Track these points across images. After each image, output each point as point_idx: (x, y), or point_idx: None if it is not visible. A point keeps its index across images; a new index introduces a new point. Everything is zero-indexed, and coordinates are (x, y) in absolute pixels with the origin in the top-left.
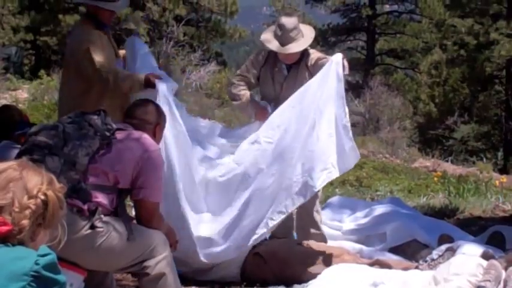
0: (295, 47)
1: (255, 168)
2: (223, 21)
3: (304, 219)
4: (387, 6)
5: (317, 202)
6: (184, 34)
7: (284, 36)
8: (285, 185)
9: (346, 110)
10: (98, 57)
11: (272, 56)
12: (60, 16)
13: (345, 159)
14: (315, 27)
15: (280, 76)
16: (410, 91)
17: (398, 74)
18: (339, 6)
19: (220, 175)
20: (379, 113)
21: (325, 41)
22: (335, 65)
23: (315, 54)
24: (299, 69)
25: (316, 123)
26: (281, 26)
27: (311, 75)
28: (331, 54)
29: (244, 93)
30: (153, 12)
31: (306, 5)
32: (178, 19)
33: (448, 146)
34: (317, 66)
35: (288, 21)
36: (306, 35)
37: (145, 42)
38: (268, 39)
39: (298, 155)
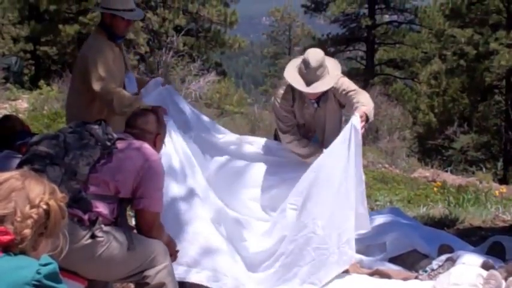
0: (320, 86)
1: (280, 235)
2: (222, 31)
3: None
4: (387, 16)
5: None
6: (184, 44)
7: (309, 74)
8: (312, 255)
9: (363, 177)
10: (103, 73)
11: (298, 91)
12: (60, 26)
13: (357, 224)
14: (314, 38)
15: (310, 110)
16: (410, 101)
17: (398, 84)
18: (339, 17)
19: (252, 252)
20: (379, 123)
21: (325, 51)
22: (354, 132)
23: (342, 84)
24: (327, 101)
25: (337, 189)
26: (306, 64)
27: (340, 105)
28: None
29: (305, 143)
30: (152, 22)
31: (305, 15)
32: (178, 29)
33: (447, 156)
34: (346, 99)
35: (314, 58)
36: (331, 72)
37: (145, 53)
38: (293, 77)
39: (323, 224)
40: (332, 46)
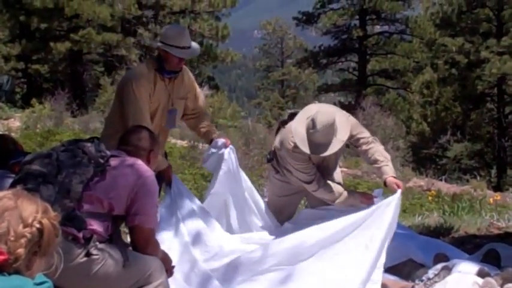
0: (324, 151)
1: None
2: (214, 45)
3: None
4: (378, 27)
5: None
6: None
7: (315, 136)
8: None
9: (384, 254)
10: (130, 111)
11: None
12: (52, 44)
13: None
14: (306, 50)
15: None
16: (403, 111)
17: (391, 94)
18: (330, 28)
19: None
20: (372, 133)
21: (317, 62)
22: (395, 210)
23: (353, 130)
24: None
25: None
26: (313, 125)
27: (343, 149)
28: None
29: (330, 188)
30: (144, 38)
31: (296, 27)
32: None
33: (441, 164)
34: (361, 148)
35: (321, 120)
36: (339, 133)
37: None
38: (302, 139)
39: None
40: (324, 58)
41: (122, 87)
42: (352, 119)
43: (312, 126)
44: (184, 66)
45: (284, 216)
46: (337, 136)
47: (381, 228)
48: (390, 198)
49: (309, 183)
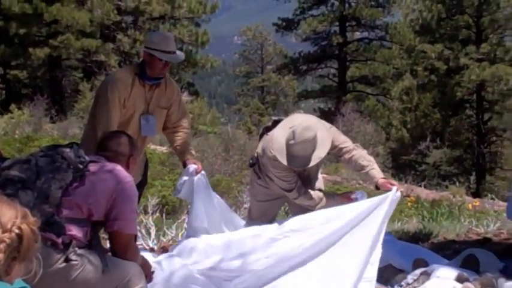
0: (303, 164)
1: None
2: (194, 51)
3: None
4: (357, 33)
5: None
6: None
7: (294, 149)
8: None
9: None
10: (102, 109)
11: None
12: (31, 50)
13: None
14: (286, 56)
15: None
16: (383, 117)
17: (370, 101)
18: (310, 35)
19: None
20: (352, 139)
21: (297, 69)
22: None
23: (335, 141)
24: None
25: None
26: (293, 136)
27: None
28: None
29: (310, 196)
30: (123, 43)
31: (276, 33)
32: None
33: (421, 171)
34: (337, 151)
35: (302, 134)
36: (319, 146)
37: None
38: (281, 149)
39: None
40: (304, 64)
41: (98, 89)
42: (334, 129)
43: (292, 137)
44: (171, 79)
45: (265, 221)
46: (316, 152)
47: (373, 224)
48: (386, 194)
49: (289, 191)
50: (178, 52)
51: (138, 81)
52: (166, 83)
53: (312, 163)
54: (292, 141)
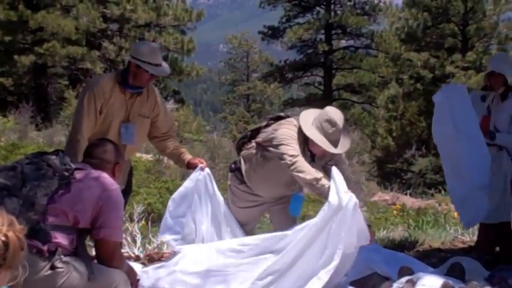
0: (346, 145)
1: None
2: (180, 59)
3: None
4: (343, 41)
5: None
6: None
7: (335, 134)
8: None
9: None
10: (77, 114)
11: (304, 144)
12: (16, 57)
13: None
14: (271, 64)
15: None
16: (368, 125)
17: (356, 109)
18: (296, 43)
19: None
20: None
21: (282, 77)
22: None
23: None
24: (320, 160)
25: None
26: (333, 123)
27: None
28: (289, 90)
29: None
30: (109, 51)
31: (262, 41)
32: None
33: (406, 179)
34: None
35: (339, 118)
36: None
37: None
38: (322, 140)
39: None
40: (290, 72)
41: (80, 94)
42: None
43: (329, 126)
44: (153, 88)
45: (245, 229)
46: (345, 134)
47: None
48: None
49: (288, 155)
50: (164, 64)
51: (118, 88)
52: (148, 92)
53: (349, 142)
54: (333, 129)
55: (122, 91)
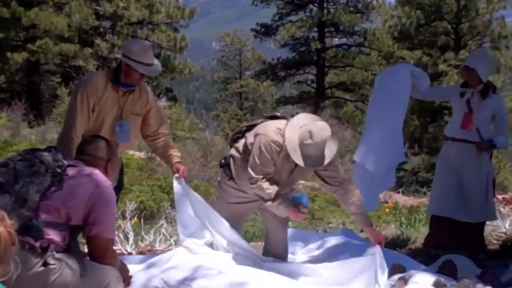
0: (321, 163)
1: None
2: (172, 56)
3: (273, 249)
4: (336, 39)
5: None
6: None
7: (310, 148)
8: None
9: None
10: (69, 112)
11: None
12: (8, 54)
13: None
14: (264, 62)
15: (289, 166)
16: (361, 123)
17: (349, 107)
18: (288, 41)
19: None
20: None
21: (275, 75)
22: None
23: (332, 171)
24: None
25: None
26: (310, 136)
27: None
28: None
29: (275, 189)
30: (101, 48)
31: (255, 39)
32: None
33: (399, 177)
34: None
35: (320, 134)
36: (327, 149)
37: None
38: (294, 148)
39: None
40: (282, 70)
41: (72, 92)
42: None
43: (308, 137)
44: (145, 86)
45: (234, 224)
46: (327, 153)
47: None
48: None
49: (252, 172)
50: (156, 62)
51: (111, 86)
52: (140, 90)
53: (326, 161)
54: (309, 141)
55: (114, 89)
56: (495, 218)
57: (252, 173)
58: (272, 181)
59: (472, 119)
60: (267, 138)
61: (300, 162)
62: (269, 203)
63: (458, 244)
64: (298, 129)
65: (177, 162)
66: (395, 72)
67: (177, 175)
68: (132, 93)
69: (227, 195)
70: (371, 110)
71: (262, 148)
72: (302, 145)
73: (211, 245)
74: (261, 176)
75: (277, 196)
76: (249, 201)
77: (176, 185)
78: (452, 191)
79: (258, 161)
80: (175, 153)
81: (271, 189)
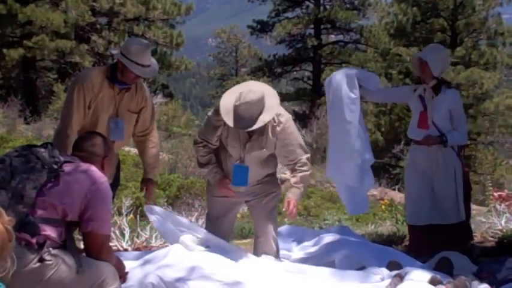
0: (247, 125)
1: None
2: (169, 53)
3: (263, 246)
4: (332, 36)
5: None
6: None
7: (241, 110)
8: None
9: None
10: (66, 109)
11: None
12: (5, 50)
13: None
14: (260, 58)
15: (244, 137)
16: None
17: None
18: (285, 37)
19: None
20: (326, 142)
21: (271, 71)
22: None
23: (287, 136)
24: (264, 133)
25: None
26: (241, 98)
27: (276, 138)
28: (278, 84)
29: (208, 158)
30: (98, 45)
31: (251, 36)
32: None
33: (394, 174)
34: (283, 134)
35: (249, 95)
36: (264, 111)
37: None
38: (226, 108)
39: None
40: (279, 67)
41: (68, 88)
42: (291, 124)
43: (238, 99)
44: (142, 84)
45: (221, 228)
46: (261, 116)
47: None
48: None
49: (197, 134)
50: (153, 62)
51: (107, 83)
52: (136, 87)
53: (256, 126)
54: (237, 102)
55: (110, 86)
56: (463, 218)
57: (197, 135)
58: (210, 151)
59: (427, 118)
60: (216, 105)
61: (230, 123)
62: (203, 168)
63: (439, 249)
64: (236, 93)
65: (148, 178)
66: (339, 77)
67: (146, 206)
68: (128, 90)
69: (213, 188)
70: (329, 119)
71: (209, 114)
72: (234, 107)
73: (206, 242)
74: (203, 142)
75: (207, 164)
76: (234, 195)
77: (150, 216)
78: (426, 198)
79: (203, 126)
80: (153, 167)
81: (205, 156)
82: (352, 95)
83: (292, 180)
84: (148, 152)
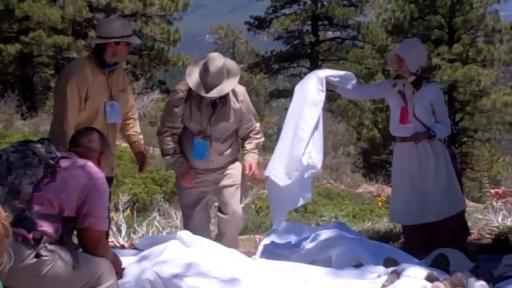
0: (218, 92)
1: None
2: (166, 49)
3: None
4: (330, 32)
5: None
6: (127, 62)
7: (208, 79)
8: None
9: None
10: (60, 105)
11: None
12: (1, 46)
13: None
14: (258, 55)
15: (208, 110)
16: (354, 117)
17: (342, 100)
18: (282, 33)
19: None
20: (323, 139)
21: (268, 67)
22: None
23: (247, 105)
24: (227, 103)
25: None
26: (206, 69)
27: (240, 109)
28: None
29: (173, 148)
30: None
31: (248, 32)
32: None
33: (391, 170)
34: (245, 103)
35: (213, 64)
36: (230, 77)
37: None
38: (194, 81)
39: None
40: (276, 63)
41: (56, 84)
42: (246, 93)
43: (204, 70)
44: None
45: (196, 218)
46: (227, 82)
47: None
48: None
49: (160, 124)
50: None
51: (98, 70)
52: (118, 68)
53: (227, 89)
54: (207, 72)
55: (101, 72)
56: (465, 207)
57: (160, 125)
58: (175, 140)
59: (407, 113)
60: (173, 89)
61: (202, 93)
62: (167, 157)
63: (435, 246)
64: (198, 66)
65: (139, 152)
66: (310, 78)
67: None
68: (115, 71)
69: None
70: (287, 116)
71: (168, 99)
72: (203, 77)
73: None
74: (167, 129)
75: (173, 153)
76: (199, 186)
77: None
78: (413, 196)
79: (163, 113)
80: (140, 142)
81: (170, 145)
82: (317, 97)
83: (249, 146)
84: (130, 130)
